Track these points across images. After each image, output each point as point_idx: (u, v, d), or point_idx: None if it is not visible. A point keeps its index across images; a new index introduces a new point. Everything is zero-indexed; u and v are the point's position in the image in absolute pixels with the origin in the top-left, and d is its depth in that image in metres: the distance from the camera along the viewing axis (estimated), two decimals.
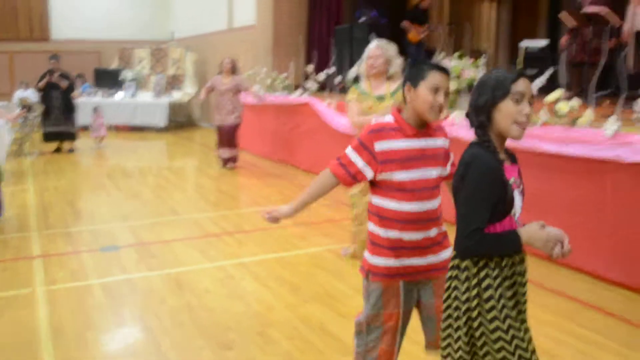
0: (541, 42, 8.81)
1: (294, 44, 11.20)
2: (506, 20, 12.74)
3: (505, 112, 1.93)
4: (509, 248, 1.95)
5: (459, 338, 2.03)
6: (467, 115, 2.06)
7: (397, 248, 2.40)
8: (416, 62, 2.41)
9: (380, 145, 2.35)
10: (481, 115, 1.98)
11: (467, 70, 6.16)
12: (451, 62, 6.18)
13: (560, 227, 1.93)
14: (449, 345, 2.08)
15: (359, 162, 2.38)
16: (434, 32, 10.47)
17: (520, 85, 1.92)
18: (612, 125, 4.27)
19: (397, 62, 4.53)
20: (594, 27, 7.30)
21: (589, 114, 4.67)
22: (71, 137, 10.95)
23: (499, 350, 1.95)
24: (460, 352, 2.03)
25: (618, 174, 4.23)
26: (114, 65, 16.33)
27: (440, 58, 7.01)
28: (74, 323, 3.70)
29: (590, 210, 4.37)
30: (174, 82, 15.60)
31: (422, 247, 2.42)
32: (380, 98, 4.49)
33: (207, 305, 3.96)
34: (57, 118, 10.69)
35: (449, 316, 2.07)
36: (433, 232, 2.43)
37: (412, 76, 2.35)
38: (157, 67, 15.94)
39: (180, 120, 15.42)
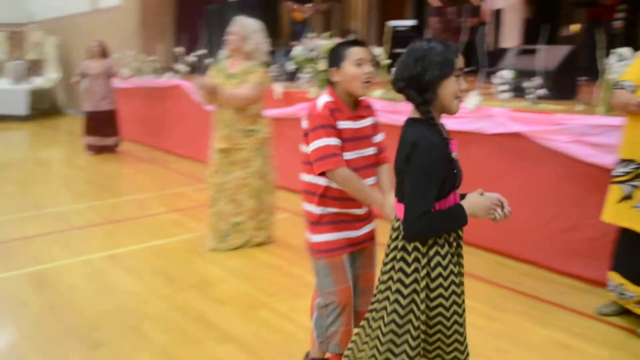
0: (409, 22, 9.03)
1: (162, 25, 10.79)
2: (375, 2, 12.96)
3: (450, 89, 1.90)
4: (458, 223, 1.94)
5: (392, 321, 2.00)
6: (402, 90, 1.96)
7: (335, 222, 2.48)
8: (334, 47, 2.46)
9: (339, 125, 2.38)
10: (427, 91, 1.90)
11: None
12: (321, 42, 6.16)
13: None
14: (378, 327, 2.05)
15: (336, 141, 2.36)
16: (320, 11, 10.42)
17: (460, 61, 1.91)
18: (473, 99, 4.44)
19: (255, 40, 4.41)
20: (456, 6, 7.62)
21: None
22: None
23: (437, 324, 1.99)
24: (391, 326, 2.00)
25: (480, 145, 4.42)
26: None
27: (312, 37, 6.99)
28: None
29: None
30: (35, 68, 14.56)
31: (359, 220, 2.53)
32: (231, 76, 4.39)
33: (74, 303, 3.71)
34: None
35: (386, 298, 2.03)
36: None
37: (333, 59, 2.41)
38: (14, 52, 14.81)
39: (44, 108, 14.40)
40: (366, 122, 2.49)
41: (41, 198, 6.45)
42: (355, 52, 2.36)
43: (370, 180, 2.49)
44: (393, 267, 2.02)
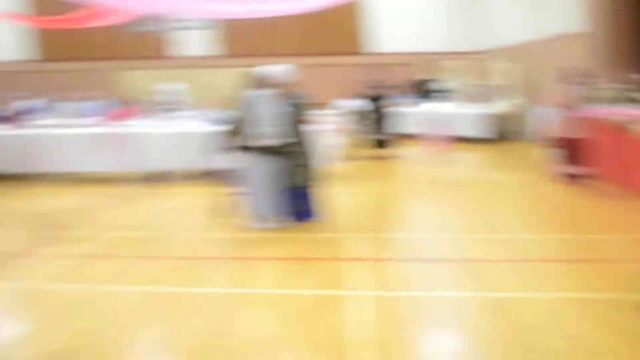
0: None
1: (628, 51, 10.07)
2: None
3: None
4: None
5: None
6: None
7: None
8: None
9: None
10: None
11: None
12: None
13: None
14: None
15: None
16: None
17: None
18: None
19: None
20: None
21: None
22: (388, 144, 12.05)
23: None
24: None
25: None
26: (431, 76, 17.20)
27: None
28: (395, 331, 3.83)
29: None
30: (496, 93, 15.20)
31: None
32: None
33: (524, 341, 3.63)
34: (376, 127, 12.02)
35: None
36: None
37: None
38: (478, 78, 15.94)
39: (507, 132, 14.63)
40: None
41: (495, 222, 6.63)
42: None
43: None
44: None
